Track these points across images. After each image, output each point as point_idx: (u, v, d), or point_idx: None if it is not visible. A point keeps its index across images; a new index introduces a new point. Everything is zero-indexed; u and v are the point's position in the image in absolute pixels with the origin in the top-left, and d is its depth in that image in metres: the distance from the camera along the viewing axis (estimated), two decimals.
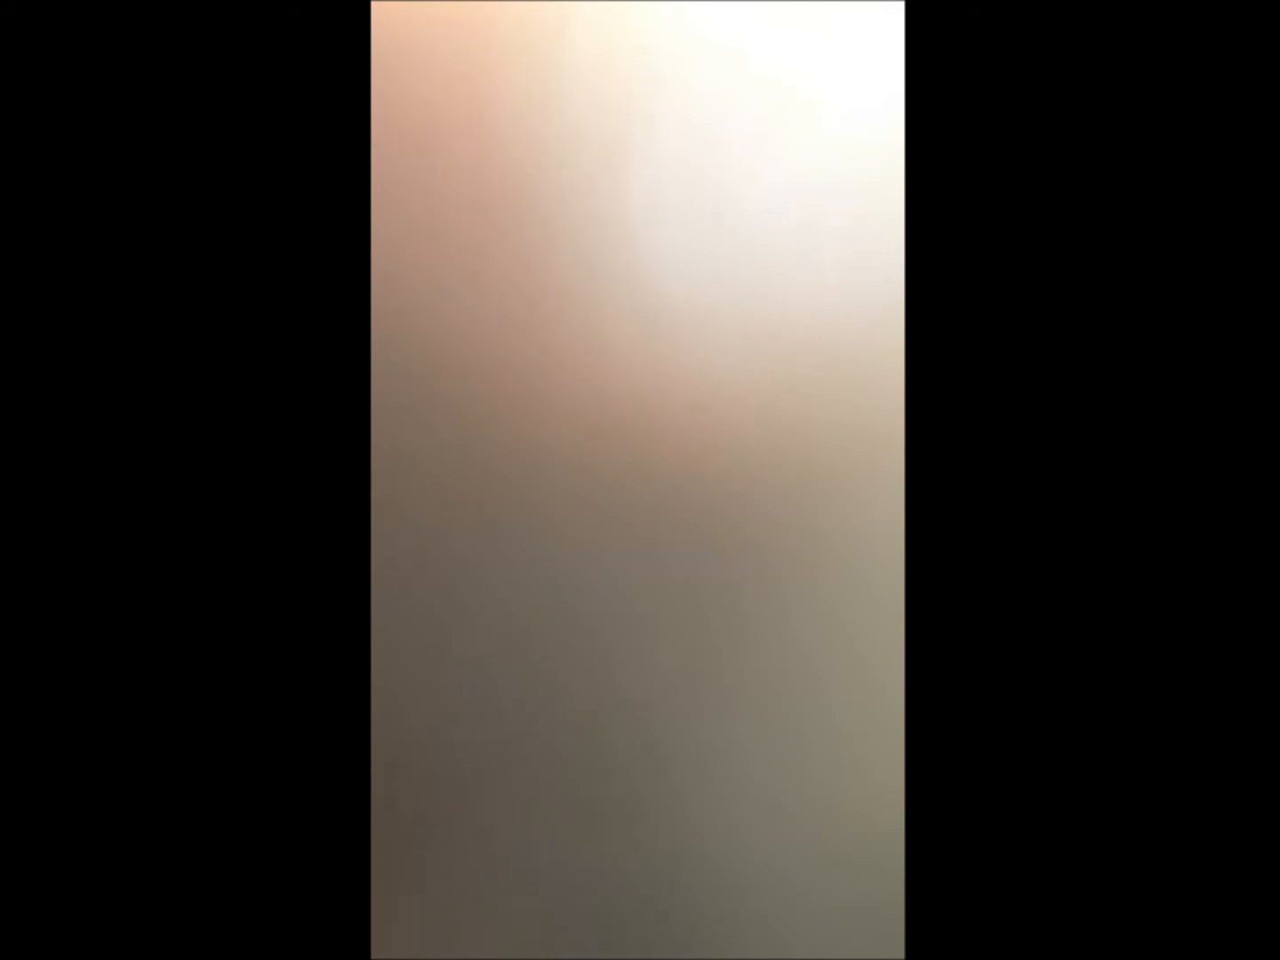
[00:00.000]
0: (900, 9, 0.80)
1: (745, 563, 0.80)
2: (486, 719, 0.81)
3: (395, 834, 0.81)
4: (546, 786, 0.81)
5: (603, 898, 0.80)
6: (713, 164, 0.80)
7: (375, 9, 0.80)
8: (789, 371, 0.80)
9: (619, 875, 0.80)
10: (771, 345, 0.80)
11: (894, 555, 0.80)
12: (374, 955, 0.81)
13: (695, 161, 0.80)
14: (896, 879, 0.80)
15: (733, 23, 0.80)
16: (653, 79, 0.80)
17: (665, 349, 0.80)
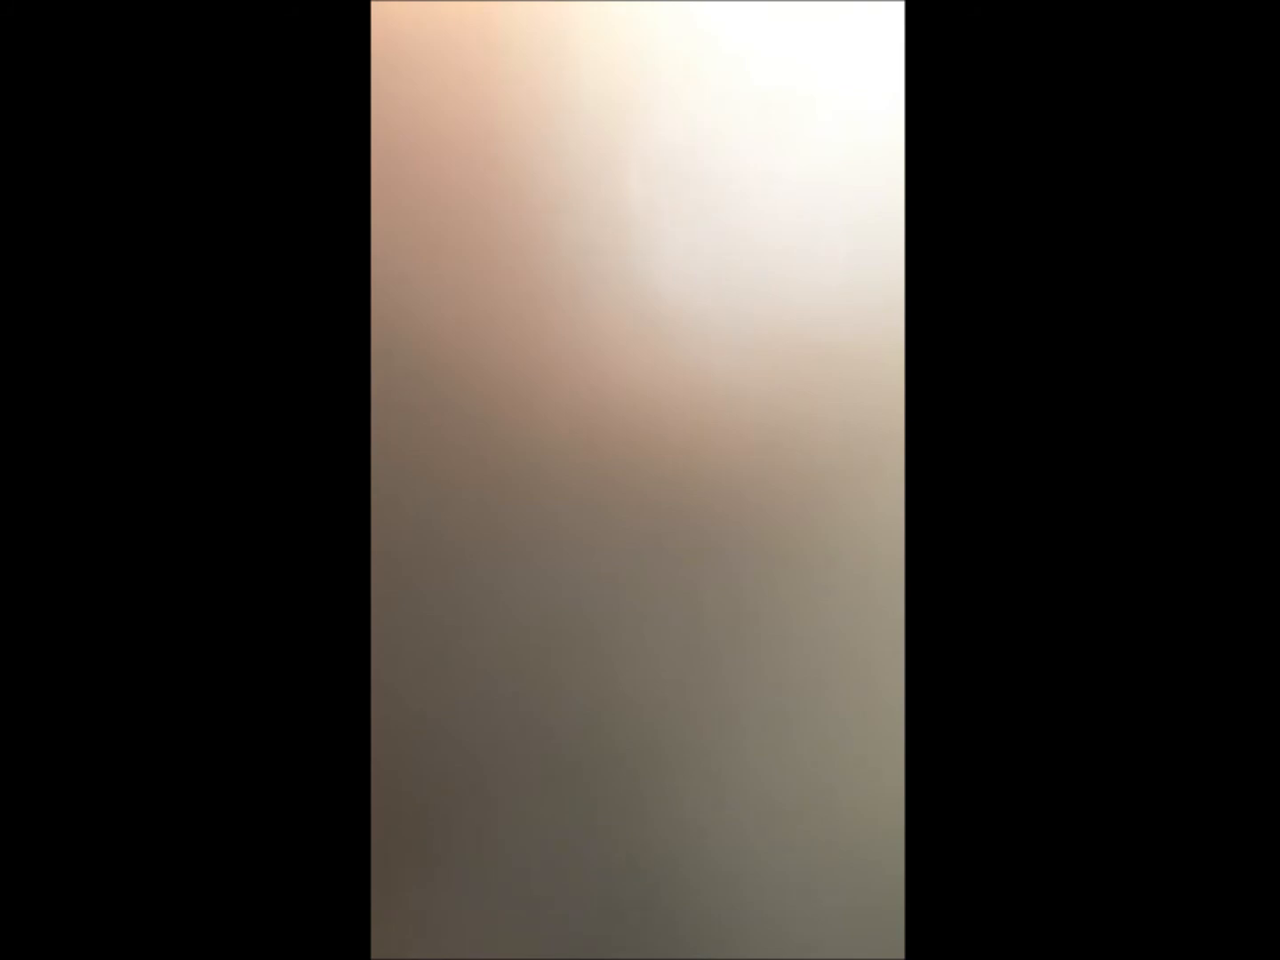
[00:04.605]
0: (900, 9, 0.80)
1: (745, 562, 0.80)
2: (486, 718, 0.81)
3: (395, 833, 0.81)
4: (546, 786, 0.81)
5: (602, 897, 0.81)
6: (712, 164, 0.80)
7: (375, 9, 0.80)
8: (789, 371, 0.80)
9: (619, 874, 0.80)
10: (772, 345, 0.80)
11: (894, 555, 0.80)
12: (374, 954, 0.81)
13: (695, 161, 0.80)
14: (896, 879, 0.80)
15: (733, 23, 0.80)
16: (653, 79, 0.80)
17: (665, 349, 0.80)
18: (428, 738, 0.81)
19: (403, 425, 0.81)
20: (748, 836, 0.80)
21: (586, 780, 0.80)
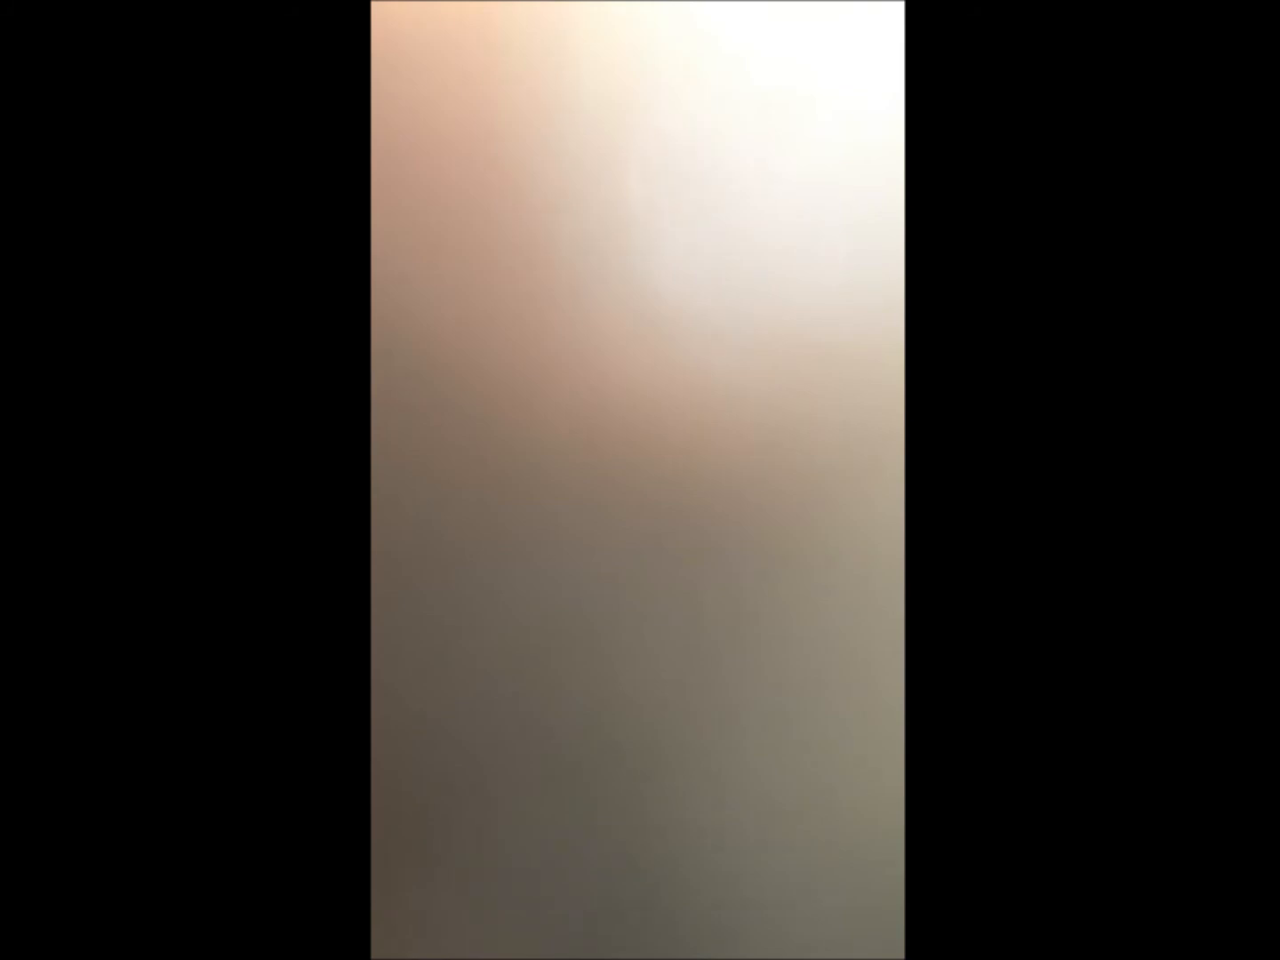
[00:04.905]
0: (900, 9, 0.80)
1: (745, 562, 0.80)
2: (486, 718, 0.81)
3: (395, 833, 0.81)
4: (546, 786, 0.81)
5: (602, 897, 0.81)
6: (713, 164, 0.80)
7: (375, 9, 0.80)
8: (789, 371, 0.80)
9: (619, 875, 0.80)
10: (771, 345, 0.80)
11: (894, 555, 0.80)
12: (374, 954, 0.81)
13: (695, 161, 0.80)
14: (896, 879, 0.80)
15: (733, 23, 0.80)
16: (653, 79, 0.80)
17: (665, 349, 0.80)
18: (428, 738, 0.81)
19: (403, 425, 0.81)
20: (748, 836, 0.80)
21: (586, 780, 0.80)
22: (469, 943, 0.81)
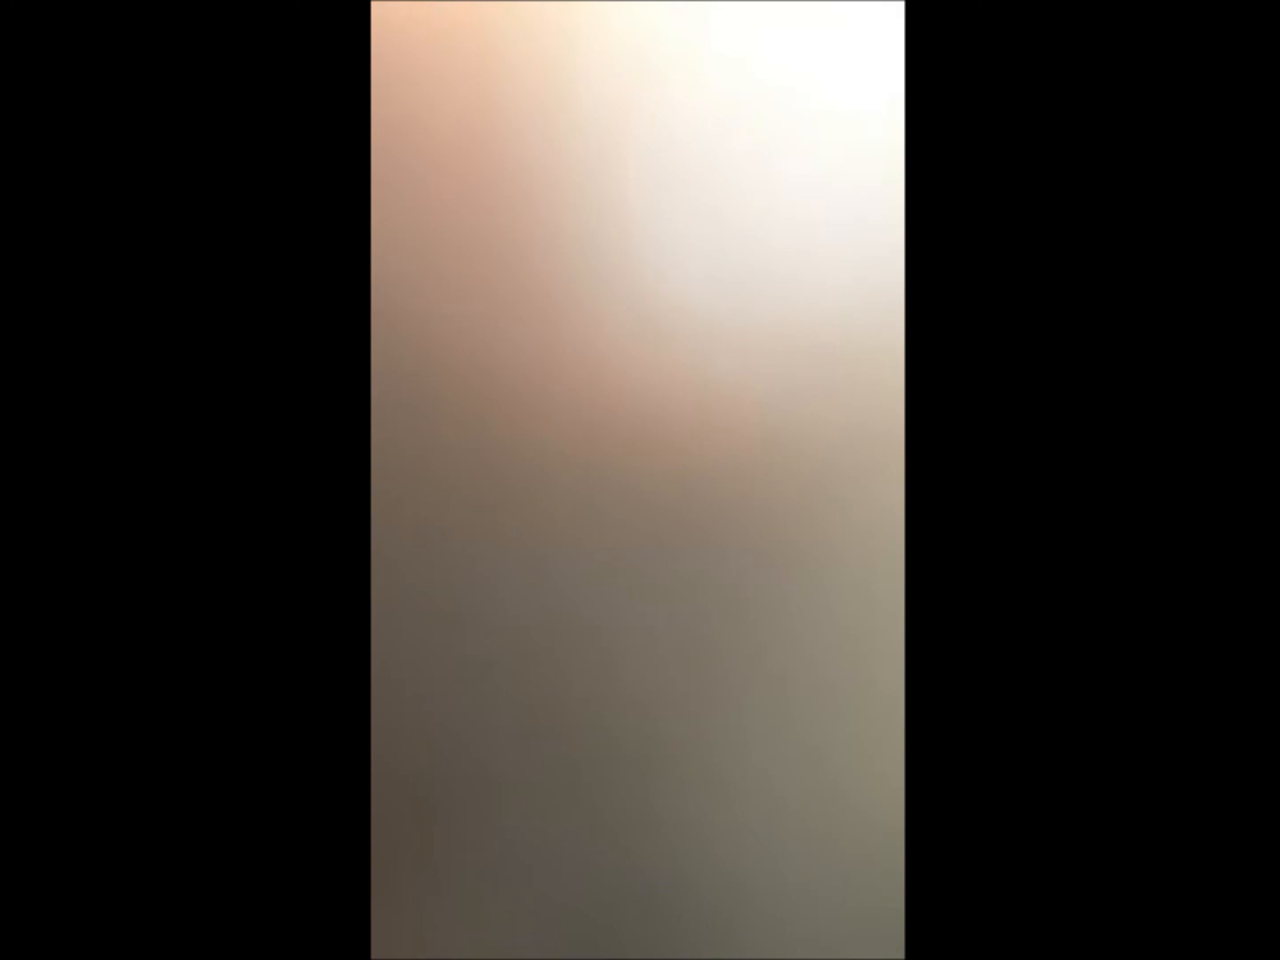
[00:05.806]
0: (900, 9, 0.80)
1: (746, 562, 0.80)
2: (487, 719, 0.81)
3: (395, 834, 0.81)
4: (548, 786, 0.81)
5: (604, 897, 0.80)
6: (713, 164, 0.80)
7: (375, 9, 0.80)
8: (789, 372, 0.80)
9: (620, 874, 0.80)
10: (772, 345, 0.80)
11: (894, 555, 0.80)
12: (374, 954, 0.81)
13: (696, 162, 0.80)
14: (896, 879, 0.80)
15: (733, 23, 0.80)
16: (653, 79, 0.80)
17: (665, 349, 0.80)
18: (428, 738, 0.81)
19: (403, 425, 0.81)
20: (749, 836, 0.80)
21: (588, 780, 0.80)
22: (469, 943, 0.81)
